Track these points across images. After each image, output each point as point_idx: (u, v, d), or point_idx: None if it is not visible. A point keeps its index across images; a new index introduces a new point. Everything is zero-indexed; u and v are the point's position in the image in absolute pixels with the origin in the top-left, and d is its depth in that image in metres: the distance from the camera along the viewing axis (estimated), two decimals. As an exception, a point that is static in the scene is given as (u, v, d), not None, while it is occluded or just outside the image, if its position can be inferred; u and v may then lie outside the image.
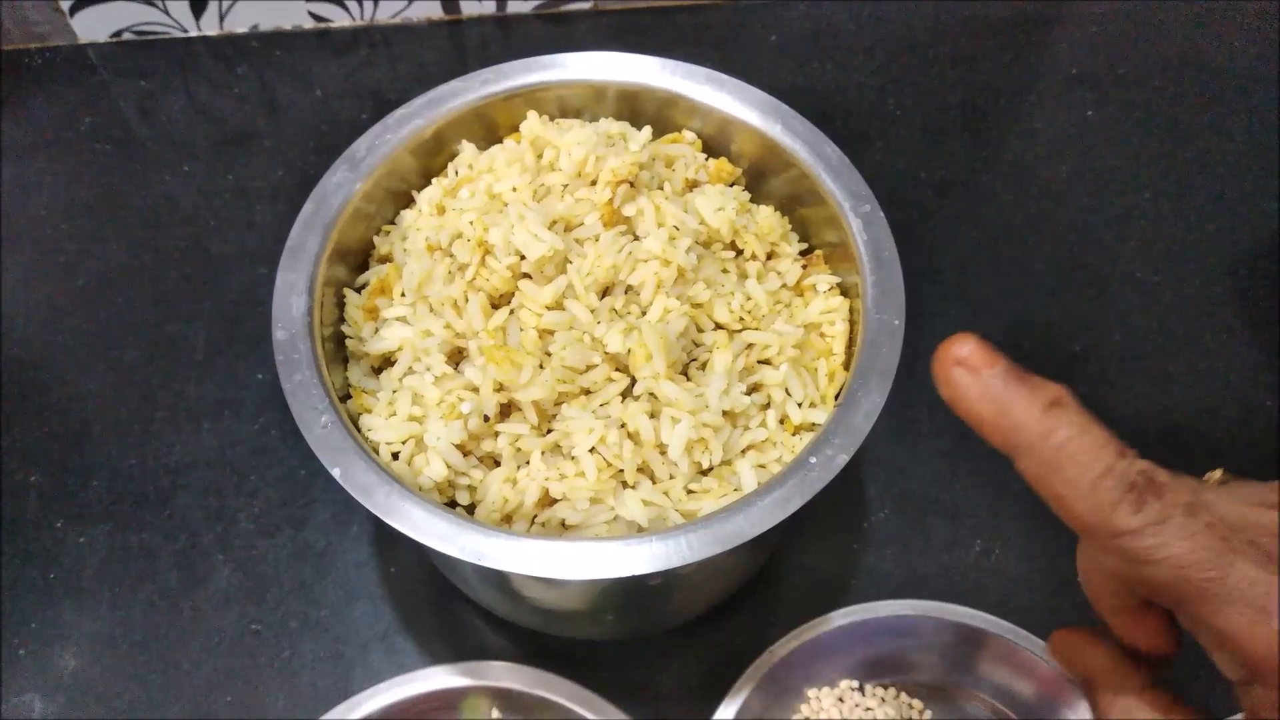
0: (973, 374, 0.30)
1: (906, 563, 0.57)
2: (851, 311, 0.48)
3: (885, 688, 0.53)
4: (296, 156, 0.73)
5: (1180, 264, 0.69)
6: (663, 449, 0.43)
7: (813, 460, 0.40)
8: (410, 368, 0.45)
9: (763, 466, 0.44)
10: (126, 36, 0.79)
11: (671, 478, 0.43)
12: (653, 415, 0.43)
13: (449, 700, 0.52)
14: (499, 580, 0.47)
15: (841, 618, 0.53)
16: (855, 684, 0.53)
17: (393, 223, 0.51)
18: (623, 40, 0.79)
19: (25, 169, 0.72)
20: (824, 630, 0.53)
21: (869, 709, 0.53)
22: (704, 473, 0.44)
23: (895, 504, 0.60)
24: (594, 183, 0.47)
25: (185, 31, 0.79)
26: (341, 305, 0.48)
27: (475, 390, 0.43)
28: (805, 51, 0.79)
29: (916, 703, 0.53)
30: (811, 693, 0.53)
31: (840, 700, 0.53)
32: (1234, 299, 0.67)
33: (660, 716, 0.52)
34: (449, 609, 0.56)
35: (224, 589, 0.57)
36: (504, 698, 0.52)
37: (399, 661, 0.55)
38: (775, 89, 0.51)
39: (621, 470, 0.43)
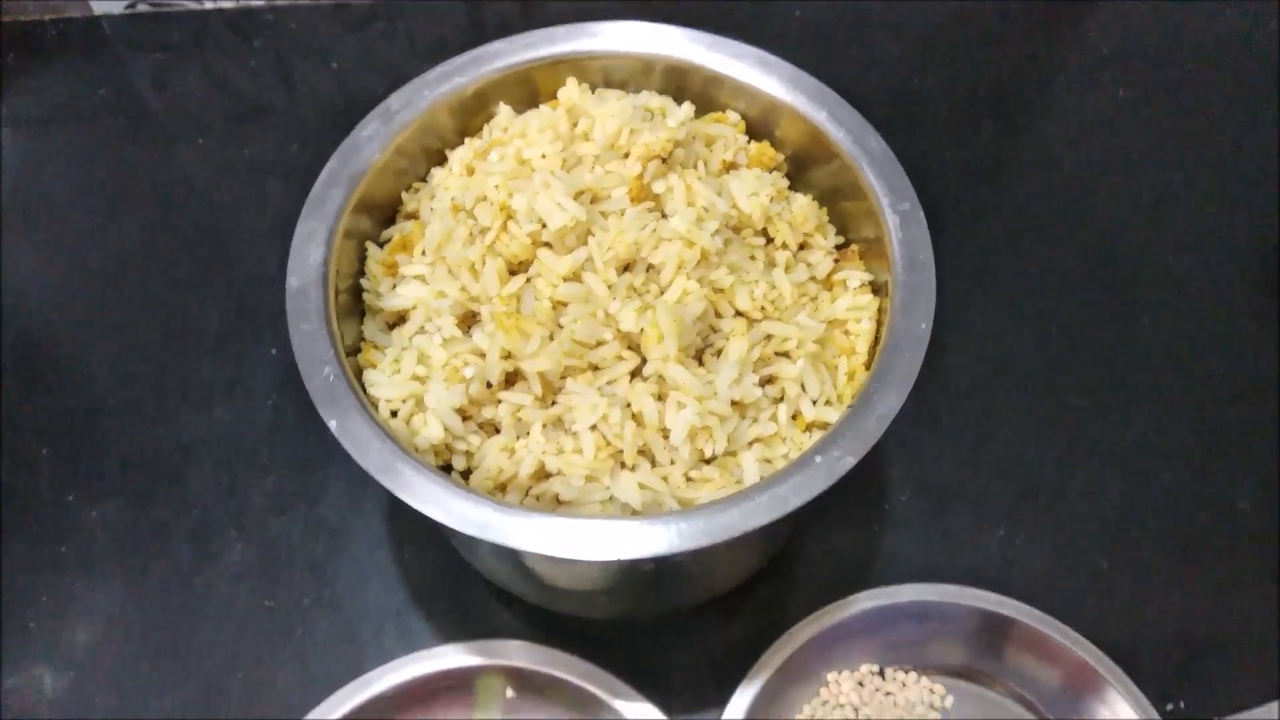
0: None
1: (929, 547, 0.56)
2: (880, 311, 0.46)
3: (906, 672, 0.52)
4: (312, 131, 0.72)
5: (1213, 250, 0.66)
6: (665, 433, 0.42)
7: (818, 460, 0.39)
8: (422, 327, 0.45)
9: (768, 461, 0.43)
10: (141, 8, 0.78)
11: (672, 463, 0.42)
12: (659, 398, 0.42)
13: (463, 679, 0.51)
14: (508, 555, 0.46)
15: (863, 601, 0.52)
16: (876, 668, 0.52)
17: (425, 180, 0.50)
18: (645, 17, 0.78)
19: (38, 142, 0.72)
20: (845, 614, 0.51)
21: (889, 693, 0.52)
22: (707, 461, 0.43)
23: (917, 489, 0.58)
24: (626, 156, 0.46)
25: (200, 4, 0.78)
26: (363, 258, 0.47)
27: (482, 356, 0.42)
28: (830, 30, 0.78)
29: (938, 687, 0.52)
30: (831, 676, 0.52)
31: (860, 684, 0.52)
32: (1268, 286, 0.66)
33: (677, 698, 0.51)
34: (463, 588, 0.55)
35: (236, 566, 0.56)
36: (518, 677, 0.51)
37: (412, 641, 0.54)
38: (798, 68, 0.50)
39: (621, 451, 0.42)
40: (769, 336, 0.44)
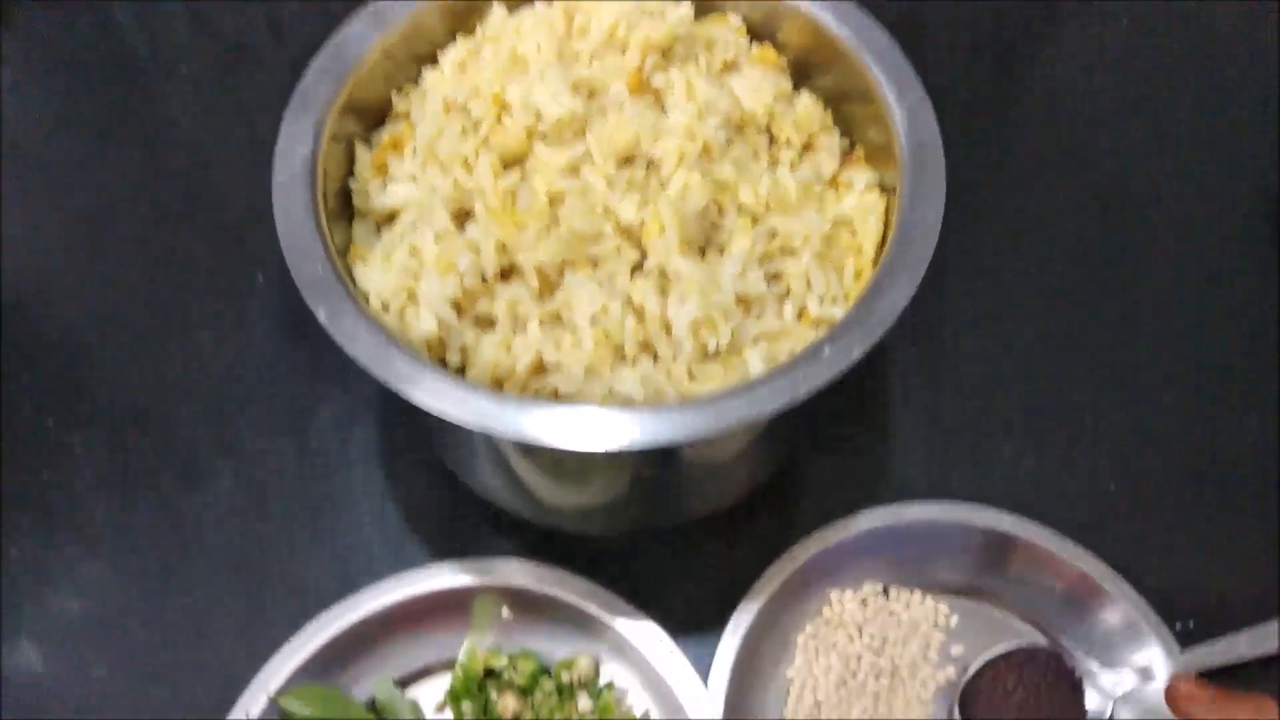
0: (1195, 701, 0.44)
1: (934, 467, 0.55)
2: (888, 213, 0.45)
3: (911, 591, 0.51)
4: (301, 72, 0.70)
5: (1217, 179, 0.65)
6: (668, 327, 0.40)
7: (826, 351, 0.38)
8: (414, 225, 0.43)
9: (773, 359, 0.41)
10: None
11: (675, 359, 0.41)
12: (662, 294, 0.41)
13: (457, 600, 0.50)
14: (505, 464, 0.45)
15: (866, 520, 0.51)
16: (879, 587, 0.51)
17: (416, 83, 0.49)
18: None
19: (23, 83, 0.69)
20: (848, 532, 0.50)
21: (893, 612, 0.51)
22: (710, 358, 0.41)
23: (924, 407, 0.57)
24: (624, 52, 0.45)
25: (185, -58, 0.76)
26: (352, 161, 0.46)
27: (476, 251, 0.41)
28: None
29: (943, 607, 0.51)
30: (834, 595, 0.51)
31: (864, 604, 0.51)
32: (1270, 213, 0.64)
33: (678, 617, 0.49)
34: (459, 512, 0.54)
35: (225, 493, 0.55)
36: (515, 597, 0.50)
37: (405, 565, 0.52)
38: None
39: (622, 346, 0.40)
40: (774, 235, 0.43)
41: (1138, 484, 0.55)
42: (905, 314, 0.39)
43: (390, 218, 0.45)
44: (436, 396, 0.36)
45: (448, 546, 0.53)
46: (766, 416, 0.36)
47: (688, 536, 0.53)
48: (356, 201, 0.45)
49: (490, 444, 0.44)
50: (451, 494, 0.54)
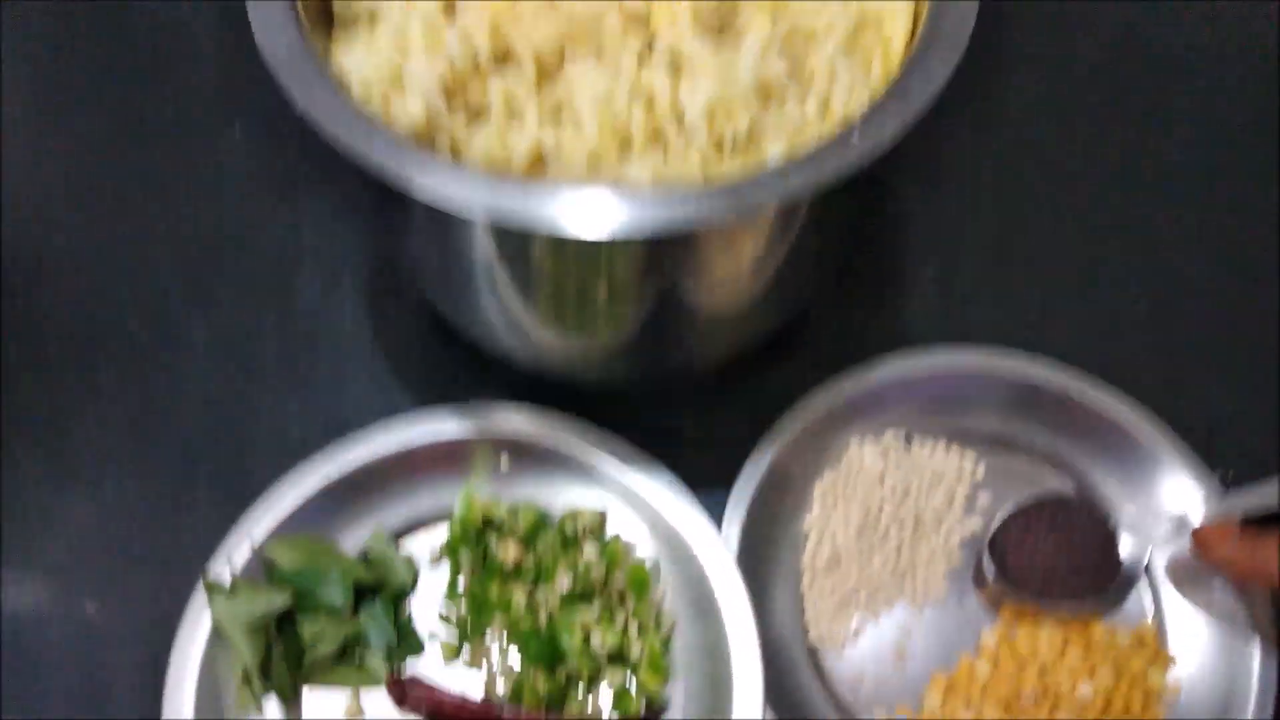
0: (1223, 542, 0.43)
1: (956, 310, 0.52)
2: (916, 17, 0.40)
3: (935, 440, 0.48)
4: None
5: (1253, 25, 0.62)
6: (680, 115, 0.37)
7: (855, 136, 0.34)
8: (398, 23, 0.39)
9: (795, 153, 0.37)
10: None
11: (687, 149, 0.37)
12: (673, 80, 0.37)
13: (454, 450, 0.46)
14: (501, 299, 0.42)
15: (887, 365, 0.48)
16: (902, 436, 0.48)
17: None
18: None
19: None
20: (868, 380, 0.48)
21: (916, 462, 0.48)
22: (727, 152, 0.38)
23: (944, 250, 0.54)
24: None
25: None
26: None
27: (469, 37, 0.37)
28: None
29: (969, 455, 0.48)
30: (854, 444, 0.48)
31: (885, 453, 0.48)
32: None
33: (689, 466, 0.46)
34: (452, 363, 0.50)
35: (202, 348, 0.52)
36: (515, 447, 0.46)
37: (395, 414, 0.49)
38: None
39: (628, 138, 0.37)
40: (794, 29, 0.39)
41: (1173, 326, 0.53)
42: (925, 124, 0.35)
43: (372, 21, 0.41)
44: (430, 178, 0.33)
45: (441, 397, 0.49)
46: (792, 199, 0.33)
47: (699, 384, 0.50)
48: (338, 9, 0.41)
49: (487, 269, 0.40)
50: (445, 344, 0.51)
